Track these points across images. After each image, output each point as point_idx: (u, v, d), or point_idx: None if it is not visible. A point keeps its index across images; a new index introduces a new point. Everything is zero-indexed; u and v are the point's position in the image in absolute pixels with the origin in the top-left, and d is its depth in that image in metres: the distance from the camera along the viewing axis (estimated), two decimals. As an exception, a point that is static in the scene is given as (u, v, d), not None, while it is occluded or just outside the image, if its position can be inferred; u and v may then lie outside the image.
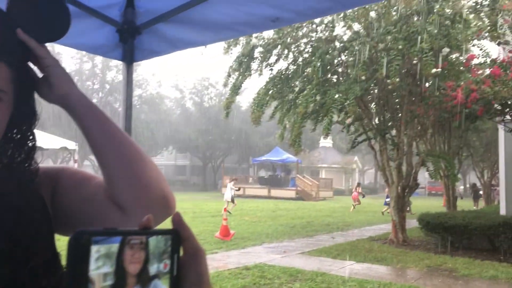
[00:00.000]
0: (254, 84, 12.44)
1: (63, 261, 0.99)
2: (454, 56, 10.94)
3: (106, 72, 42.48)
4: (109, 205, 0.96)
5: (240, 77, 11.24)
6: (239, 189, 22.27)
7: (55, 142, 12.27)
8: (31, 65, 0.95)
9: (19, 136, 0.94)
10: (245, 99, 48.08)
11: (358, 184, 25.83)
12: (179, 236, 0.59)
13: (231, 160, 54.46)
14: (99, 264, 0.48)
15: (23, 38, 0.91)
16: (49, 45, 0.97)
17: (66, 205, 0.99)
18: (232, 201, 19.16)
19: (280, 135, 12.24)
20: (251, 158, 44.52)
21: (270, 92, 11.34)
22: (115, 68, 41.34)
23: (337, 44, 10.75)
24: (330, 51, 10.49)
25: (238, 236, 11.95)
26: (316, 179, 36.81)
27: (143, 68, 47.69)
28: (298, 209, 23.07)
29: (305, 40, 11.11)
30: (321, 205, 26.90)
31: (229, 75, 11.51)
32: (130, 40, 2.13)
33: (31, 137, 0.96)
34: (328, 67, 10.90)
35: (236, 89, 11.38)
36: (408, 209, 19.09)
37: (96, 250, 0.48)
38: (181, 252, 0.60)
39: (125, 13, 2.06)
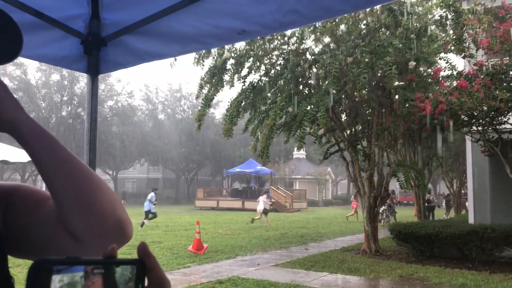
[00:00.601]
0: (229, 96, 12.46)
1: (17, 286, 0.95)
2: (422, 68, 11.23)
3: (75, 84, 41.78)
4: (62, 232, 0.92)
5: (213, 89, 11.22)
6: (272, 204, 23.32)
7: (22, 156, 11.93)
8: None
9: None
10: (220, 111, 48.09)
11: (356, 193, 26.54)
12: (144, 265, 0.58)
13: (205, 173, 54.15)
14: None
15: None
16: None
17: (18, 227, 0.95)
18: (265, 213, 20.34)
19: (253, 146, 12.24)
20: (224, 170, 44.37)
21: (242, 104, 11.36)
22: (83, 80, 40.72)
23: (308, 56, 10.88)
24: (301, 64, 10.60)
25: (211, 250, 11.84)
26: (290, 191, 36.92)
27: (114, 79, 47.13)
28: (272, 220, 23.06)
29: (277, 52, 11.21)
30: (295, 217, 26.96)
31: (201, 87, 11.47)
32: (95, 52, 2.09)
33: None
34: (300, 79, 11.02)
35: (208, 101, 11.35)
36: (392, 219, 19.44)
37: (59, 280, 0.46)
38: (146, 282, 0.59)
39: (90, 25, 2.02)
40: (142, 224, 17.71)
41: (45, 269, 0.46)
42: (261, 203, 20.77)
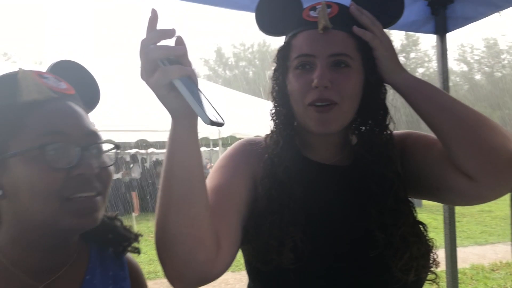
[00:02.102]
0: None
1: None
2: None
3: (408, 50, 42.29)
4: (454, 172, 0.96)
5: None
6: None
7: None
8: None
9: (373, 105, 1.03)
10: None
11: None
12: None
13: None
14: None
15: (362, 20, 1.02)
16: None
17: (412, 170, 1.04)
18: None
19: None
20: None
21: None
22: (414, 47, 40.74)
23: None
24: None
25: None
26: None
27: (428, 45, 45.76)
28: None
29: None
30: None
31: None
32: (442, 11, 2.09)
33: (382, 106, 1.05)
34: None
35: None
36: None
37: None
38: None
39: (435, -15, 2.03)
40: None
41: None
42: None
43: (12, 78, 0.78)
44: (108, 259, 0.88)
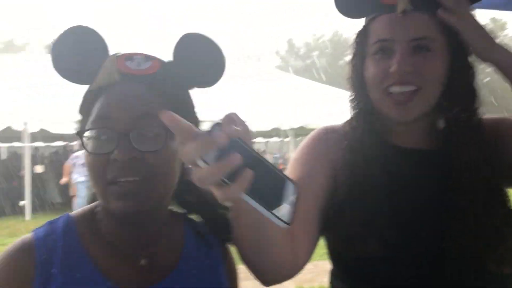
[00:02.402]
0: None
1: None
2: None
3: (493, 35, 40.15)
4: None
5: None
6: None
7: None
8: None
9: (460, 88, 0.96)
10: None
11: None
12: None
13: None
14: None
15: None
16: None
17: (506, 158, 0.97)
18: None
19: None
20: None
21: None
22: (500, 32, 38.52)
23: None
24: None
25: None
26: None
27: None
28: None
29: None
30: None
31: None
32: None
33: (471, 89, 0.98)
34: None
35: None
36: None
37: None
38: None
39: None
40: None
41: None
42: None
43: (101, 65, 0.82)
44: (202, 239, 0.90)
